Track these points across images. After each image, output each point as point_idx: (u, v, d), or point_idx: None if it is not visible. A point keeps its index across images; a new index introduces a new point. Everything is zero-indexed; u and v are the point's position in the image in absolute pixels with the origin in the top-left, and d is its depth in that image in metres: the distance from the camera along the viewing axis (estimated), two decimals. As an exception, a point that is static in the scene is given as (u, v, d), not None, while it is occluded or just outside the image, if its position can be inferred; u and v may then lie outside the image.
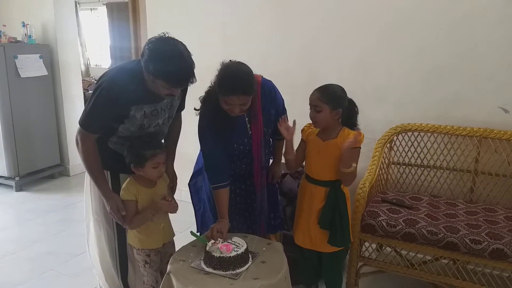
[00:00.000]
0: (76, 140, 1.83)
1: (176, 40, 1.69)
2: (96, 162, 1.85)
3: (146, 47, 1.66)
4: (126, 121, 1.80)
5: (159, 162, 1.81)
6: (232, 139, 1.93)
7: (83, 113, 1.80)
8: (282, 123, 1.89)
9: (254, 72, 1.82)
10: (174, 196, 2.08)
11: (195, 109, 1.93)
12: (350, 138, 1.80)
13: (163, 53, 1.62)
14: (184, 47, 1.68)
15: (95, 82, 1.82)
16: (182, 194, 3.51)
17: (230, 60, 1.85)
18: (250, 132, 1.94)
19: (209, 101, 1.87)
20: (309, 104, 1.89)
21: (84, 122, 1.79)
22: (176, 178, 2.16)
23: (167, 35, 1.69)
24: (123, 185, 1.86)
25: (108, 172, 1.93)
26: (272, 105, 1.98)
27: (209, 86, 1.89)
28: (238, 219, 2.10)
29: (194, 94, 1.98)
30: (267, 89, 1.96)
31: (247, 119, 1.93)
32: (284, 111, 2.08)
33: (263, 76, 1.99)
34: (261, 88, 1.93)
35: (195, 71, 1.68)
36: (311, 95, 1.89)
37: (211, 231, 1.82)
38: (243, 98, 1.75)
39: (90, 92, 4.81)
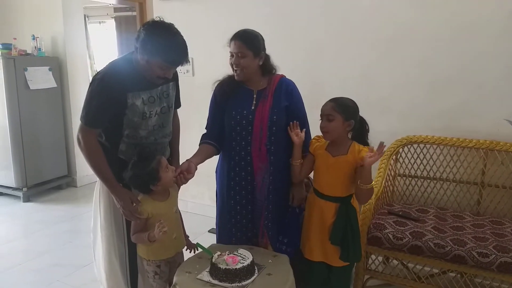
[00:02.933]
0: (78, 138, 1.83)
1: (170, 22, 1.78)
2: (100, 158, 1.83)
3: (142, 28, 1.74)
4: (127, 111, 1.81)
5: (165, 163, 1.83)
6: (233, 104, 2.02)
7: (82, 109, 1.82)
8: (293, 129, 1.93)
9: None
10: (180, 208, 2.07)
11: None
12: (369, 152, 1.74)
13: (162, 32, 1.73)
14: (177, 29, 1.78)
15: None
16: (188, 205, 3.54)
17: None
18: (253, 108, 1.99)
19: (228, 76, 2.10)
20: (321, 115, 1.88)
21: (84, 117, 1.80)
22: None
23: (161, 19, 1.78)
24: None
25: (121, 185, 1.89)
26: (286, 98, 2.02)
27: None
28: (240, 237, 2.08)
29: (200, 107, 2.00)
30: (285, 83, 2.06)
31: (255, 96, 2.01)
32: (305, 120, 2.08)
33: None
34: (280, 80, 2.05)
35: (196, 78, 1.72)
36: (324, 105, 1.88)
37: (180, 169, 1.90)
38: (239, 45, 1.91)
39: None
